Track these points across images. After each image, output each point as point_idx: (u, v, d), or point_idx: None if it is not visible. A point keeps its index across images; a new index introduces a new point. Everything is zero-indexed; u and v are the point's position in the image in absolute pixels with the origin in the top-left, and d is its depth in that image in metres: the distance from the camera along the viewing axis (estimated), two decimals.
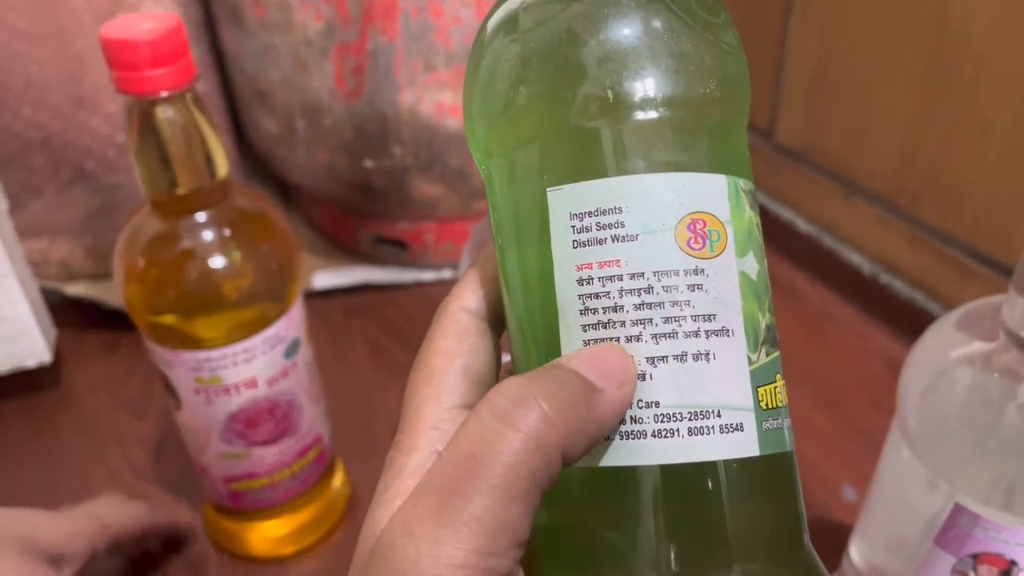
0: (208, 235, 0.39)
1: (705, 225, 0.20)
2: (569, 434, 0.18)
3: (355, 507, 0.50)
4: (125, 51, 0.34)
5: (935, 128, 0.57)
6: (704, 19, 0.21)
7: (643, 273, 0.20)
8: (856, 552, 0.40)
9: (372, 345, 0.63)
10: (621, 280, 0.20)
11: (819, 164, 0.68)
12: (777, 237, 0.71)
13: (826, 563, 0.44)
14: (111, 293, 0.63)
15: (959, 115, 0.55)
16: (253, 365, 0.41)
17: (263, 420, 0.43)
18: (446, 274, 0.69)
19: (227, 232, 0.39)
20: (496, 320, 0.23)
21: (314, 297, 0.67)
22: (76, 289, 0.63)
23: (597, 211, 0.20)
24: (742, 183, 0.21)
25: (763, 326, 0.21)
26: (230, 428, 0.42)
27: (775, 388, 0.21)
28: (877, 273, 0.64)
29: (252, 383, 0.41)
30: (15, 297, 0.53)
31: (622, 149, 0.20)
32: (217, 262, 0.39)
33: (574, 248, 0.20)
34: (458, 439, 0.19)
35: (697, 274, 0.20)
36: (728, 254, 0.20)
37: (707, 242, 0.20)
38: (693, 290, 0.20)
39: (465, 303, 0.23)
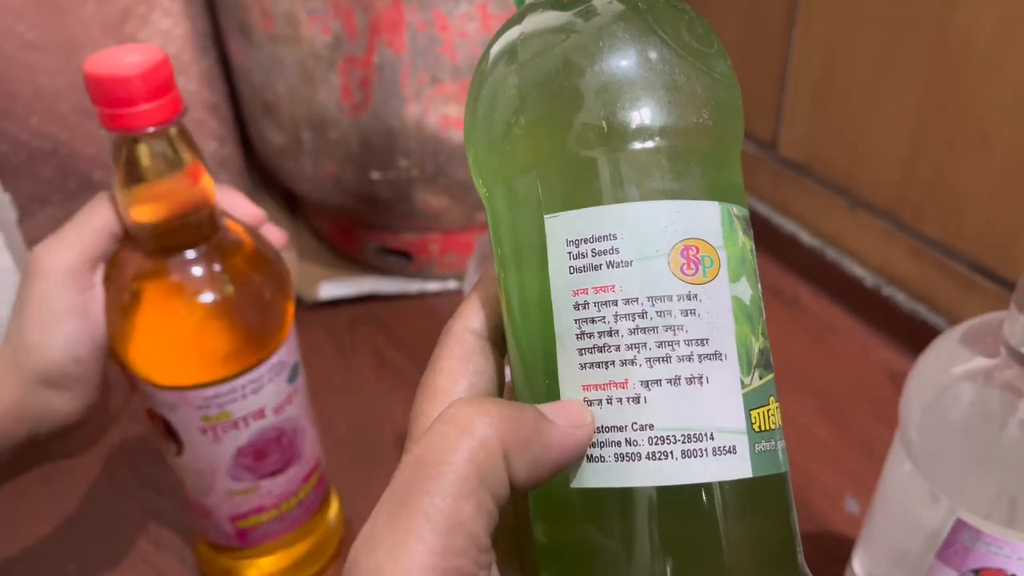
0: (198, 271, 0.38)
1: (698, 251, 0.21)
2: (512, 443, 0.19)
3: (350, 538, 0.50)
4: (110, 87, 0.33)
5: (937, 140, 0.57)
6: (697, 49, 0.22)
7: (637, 298, 0.20)
8: (859, 564, 0.41)
9: (377, 355, 0.63)
10: (616, 305, 0.20)
11: (822, 177, 0.68)
12: (780, 249, 0.72)
13: (829, 575, 0.44)
14: None
15: (961, 127, 0.55)
16: (261, 395, 0.40)
17: (271, 450, 0.42)
18: (451, 285, 0.69)
19: (217, 267, 0.38)
20: (500, 339, 0.24)
21: (319, 307, 0.67)
22: None
23: (593, 238, 0.21)
24: (735, 209, 0.22)
25: (756, 350, 0.21)
26: (239, 463, 0.41)
27: (768, 411, 0.21)
28: (879, 286, 0.64)
29: (260, 414, 0.41)
30: None
31: (617, 178, 0.21)
32: (208, 298, 0.38)
33: (571, 274, 0.21)
34: (411, 448, 0.19)
35: (690, 299, 0.20)
36: (721, 279, 0.21)
37: (700, 268, 0.20)
38: (687, 315, 0.20)
39: (469, 323, 0.23)
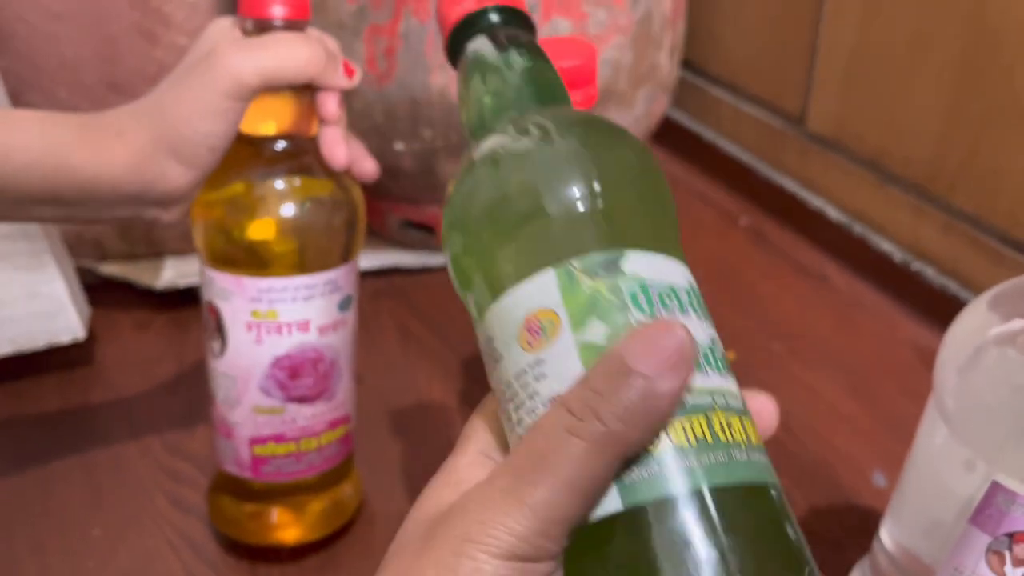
0: (285, 173, 0.41)
1: (538, 320, 0.23)
2: (632, 438, 0.21)
3: (368, 511, 0.49)
4: None
5: (972, 114, 0.56)
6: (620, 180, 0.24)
7: (511, 383, 0.23)
8: (887, 536, 0.40)
9: (400, 327, 0.63)
10: (504, 393, 0.24)
11: (852, 151, 0.67)
12: (807, 225, 0.71)
13: (856, 548, 0.44)
14: (144, 273, 0.64)
15: (996, 101, 0.54)
16: (310, 306, 0.41)
17: (306, 372, 0.43)
18: None
19: (301, 180, 0.42)
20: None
21: None
22: (110, 269, 0.64)
23: (488, 341, 0.24)
24: (575, 262, 0.23)
25: None
26: (272, 375, 0.42)
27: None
28: (908, 261, 0.64)
29: (305, 326, 0.42)
30: (51, 274, 0.54)
31: (483, 287, 0.24)
32: (286, 198, 0.41)
33: (490, 373, 0.25)
34: (535, 436, 0.22)
35: (538, 365, 0.22)
36: (563, 335, 0.22)
37: (540, 334, 0.22)
38: (539, 380, 0.22)
39: (480, 446, 0.26)
